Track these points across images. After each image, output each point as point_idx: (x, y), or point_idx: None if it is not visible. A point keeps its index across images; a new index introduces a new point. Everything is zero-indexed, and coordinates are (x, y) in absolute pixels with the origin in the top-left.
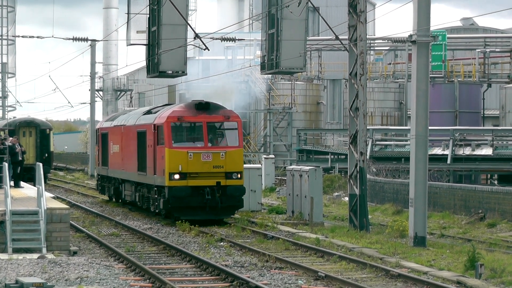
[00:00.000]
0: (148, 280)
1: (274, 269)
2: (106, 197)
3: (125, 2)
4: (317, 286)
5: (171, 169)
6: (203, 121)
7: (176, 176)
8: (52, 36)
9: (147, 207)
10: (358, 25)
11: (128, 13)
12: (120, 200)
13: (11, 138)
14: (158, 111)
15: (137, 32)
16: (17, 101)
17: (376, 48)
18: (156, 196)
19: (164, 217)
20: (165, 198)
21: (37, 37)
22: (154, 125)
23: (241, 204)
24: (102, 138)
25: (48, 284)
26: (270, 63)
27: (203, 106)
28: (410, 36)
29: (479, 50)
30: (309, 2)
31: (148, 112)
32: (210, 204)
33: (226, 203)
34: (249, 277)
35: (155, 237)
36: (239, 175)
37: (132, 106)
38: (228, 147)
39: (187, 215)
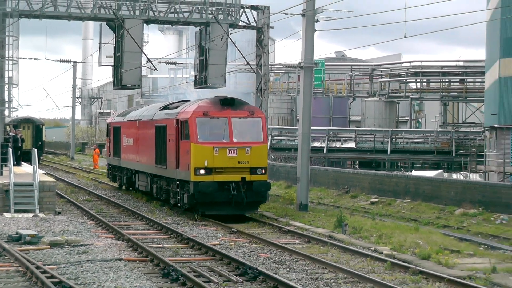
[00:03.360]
0: (111, 233)
1: (201, 226)
2: (116, 185)
3: (98, 34)
4: (231, 238)
5: (197, 164)
6: (228, 117)
7: (202, 171)
8: (45, 58)
9: (165, 199)
10: (263, 54)
11: (100, 43)
12: (131, 189)
13: (14, 130)
14: (178, 106)
15: (106, 56)
16: (19, 104)
17: (275, 71)
18: (178, 189)
19: (184, 210)
20: (189, 193)
21: (34, 59)
22: (177, 120)
23: (265, 199)
24: (114, 131)
25: (40, 235)
26: (200, 80)
27: (228, 102)
28: (299, 63)
29: (347, 74)
30: (228, 38)
31: (165, 107)
32: (236, 199)
33: (251, 199)
34: (183, 231)
35: (117, 202)
36: (263, 171)
37: (102, 109)
38: (253, 142)
39: (212, 210)
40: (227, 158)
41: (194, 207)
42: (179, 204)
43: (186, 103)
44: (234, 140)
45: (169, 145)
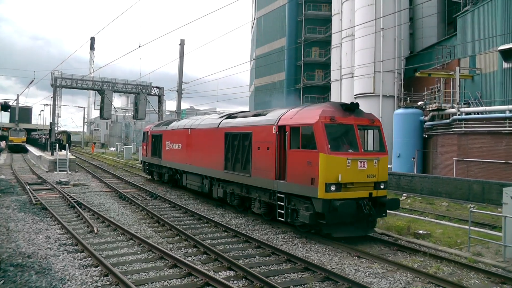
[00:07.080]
0: (98, 180)
1: (134, 176)
2: (149, 176)
3: (94, 95)
4: (148, 183)
5: (328, 178)
6: (353, 124)
7: (333, 188)
8: (71, 105)
9: (237, 205)
10: (161, 106)
11: (95, 99)
12: (172, 184)
13: (59, 135)
14: (260, 114)
15: (97, 105)
16: (61, 125)
17: (166, 113)
18: (276, 202)
19: (279, 223)
20: (312, 211)
21: (67, 105)
22: (279, 126)
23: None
24: (152, 137)
25: (68, 181)
26: (135, 116)
27: (351, 107)
28: (175, 110)
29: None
30: (147, 99)
31: (229, 116)
32: (366, 218)
33: (379, 216)
34: (127, 179)
35: (101, 167)
36: (385, 185)
37: (95, 127)
38: (379, 153)
39: (341, 231)
40: (358, 171)
41: (315, 226)
42: (281, 219)
43: (270, 110)
44: (362, 150)
45: (258, 153)
